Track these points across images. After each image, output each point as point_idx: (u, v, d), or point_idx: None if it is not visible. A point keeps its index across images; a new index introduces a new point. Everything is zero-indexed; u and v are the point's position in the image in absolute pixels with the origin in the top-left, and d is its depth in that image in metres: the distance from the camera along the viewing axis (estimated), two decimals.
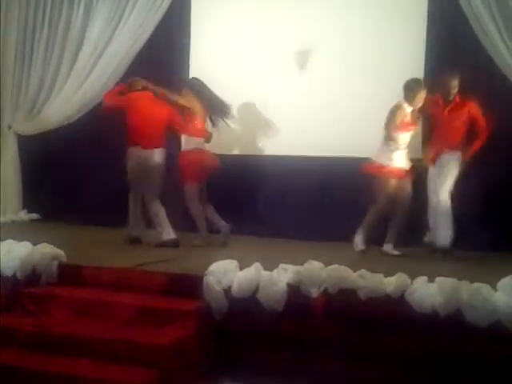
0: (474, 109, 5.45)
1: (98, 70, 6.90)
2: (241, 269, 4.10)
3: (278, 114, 6.54)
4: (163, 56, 6.95)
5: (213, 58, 6.80)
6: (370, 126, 5.51)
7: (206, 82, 5.86)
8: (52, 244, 4.62)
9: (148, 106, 5.60)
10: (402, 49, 6.13)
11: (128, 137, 5.59)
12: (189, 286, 4.11)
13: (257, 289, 3.95)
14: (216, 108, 5.87)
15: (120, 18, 6.93)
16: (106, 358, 3.55)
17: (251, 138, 6.73)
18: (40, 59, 7.29)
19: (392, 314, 3.74)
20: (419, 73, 5.94)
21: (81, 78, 7.05)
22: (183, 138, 5.90)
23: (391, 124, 5.36)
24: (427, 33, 6.13)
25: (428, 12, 6.14)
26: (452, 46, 6.02)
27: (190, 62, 6.95)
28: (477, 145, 5.45)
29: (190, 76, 6.66)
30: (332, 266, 4.00)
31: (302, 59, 6.54)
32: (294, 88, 6.49)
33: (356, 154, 5.97)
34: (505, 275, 3.79)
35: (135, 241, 5.75)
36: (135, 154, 5.57)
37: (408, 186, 5.51)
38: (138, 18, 6.85)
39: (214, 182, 6.08)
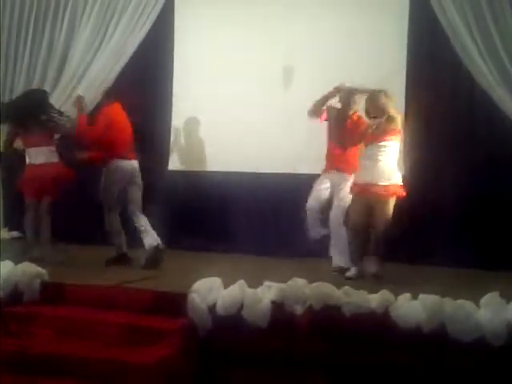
0: None
1: (81, 89, 6.86)
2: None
3: (256, 131, 6.52)
4: (146, 76, 6.96)
5: (196, 76, 6.82)
6: None
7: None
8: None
9: (123, 117, 5.60)
10: (380, 68, 6.15)
11: (111, 150, 5.49)
12: (173, 303, 4.09)
13: (241, 306, 3.96)
14: None
15: (102, 39, 6.92)
16: (91, 378, 3.52)
17: (225, 154, 6.65)
18: (22, 79, 7.22)
19: (377, 330, 3.77)
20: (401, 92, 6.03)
21: (64, 96, 7.01)
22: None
23: None
24: (407, 53, 6.19)
25: (408, 31, 6.22)
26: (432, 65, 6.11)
27: (174, 80, 6.96)
28: None
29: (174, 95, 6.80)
30: (316, 283, 4.02)
31: (283, 77, 6.59)
32: (271, 105, 6.50)
33: None
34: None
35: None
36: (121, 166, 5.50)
37: None
38: (120, 37, 6.85)
39: (183, 199, 6.12)
